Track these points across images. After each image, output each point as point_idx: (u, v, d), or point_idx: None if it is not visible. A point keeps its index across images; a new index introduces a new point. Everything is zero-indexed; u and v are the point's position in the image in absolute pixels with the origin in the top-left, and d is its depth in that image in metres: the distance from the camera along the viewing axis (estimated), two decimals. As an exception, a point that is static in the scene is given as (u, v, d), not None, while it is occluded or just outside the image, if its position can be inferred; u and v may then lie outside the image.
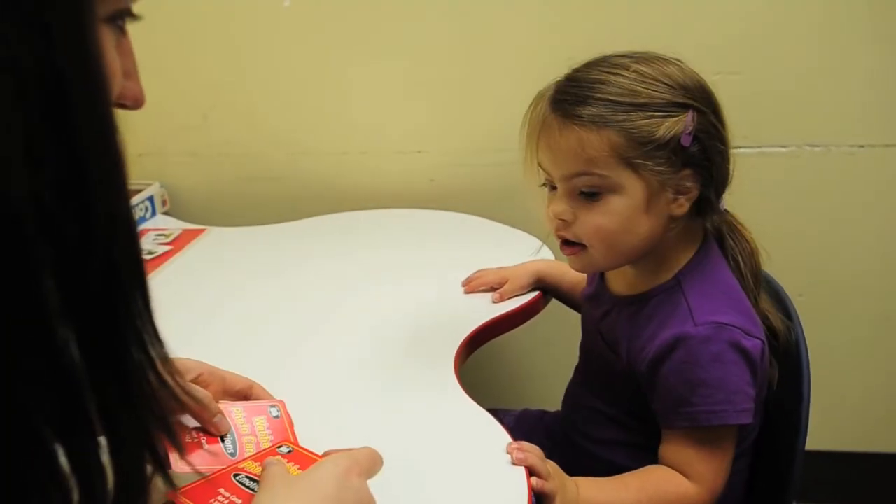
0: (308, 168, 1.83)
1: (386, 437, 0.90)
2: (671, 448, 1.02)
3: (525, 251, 1.42)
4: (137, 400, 0.47)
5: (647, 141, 0.97)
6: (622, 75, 0.99)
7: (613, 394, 1.12)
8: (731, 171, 1.05)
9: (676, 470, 1.01)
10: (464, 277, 1.36)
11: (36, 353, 0.40)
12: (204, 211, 1.85)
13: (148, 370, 0.47)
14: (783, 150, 1.66)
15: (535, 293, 1.32)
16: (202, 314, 1.34)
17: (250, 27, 1.75)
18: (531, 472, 0.92)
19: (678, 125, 0.98)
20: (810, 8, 1.59)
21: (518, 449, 0.93)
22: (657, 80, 0.99)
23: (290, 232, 1.67)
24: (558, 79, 1.05)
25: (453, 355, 1.15)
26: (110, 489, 0.46)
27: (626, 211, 1.00)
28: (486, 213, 1.66)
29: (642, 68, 1.00)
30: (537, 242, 1.44)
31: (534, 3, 1.66)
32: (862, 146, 1.65)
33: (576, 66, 1.05)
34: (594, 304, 1.16)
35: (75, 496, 0.44)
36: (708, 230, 1.07)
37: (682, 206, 1.01)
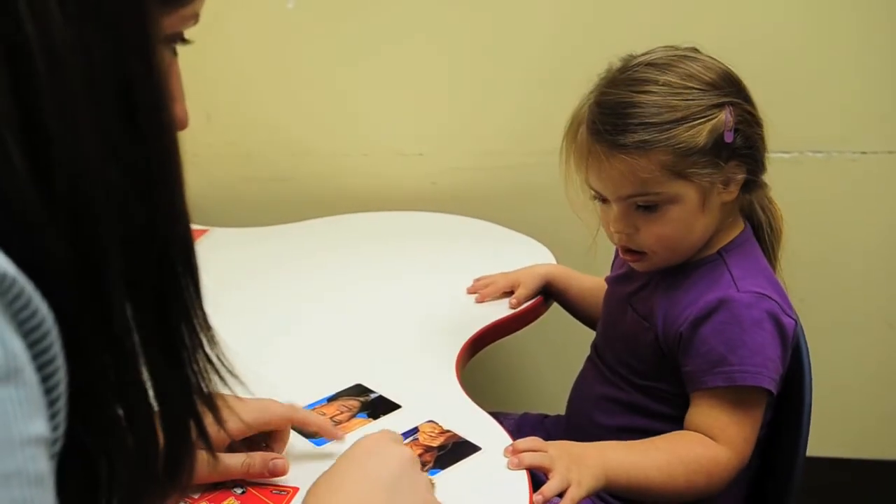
0: (310, 170, 1.83)
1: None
2: (701, 410, 1.02)
3: (526, 254, 1.42)
4: (185, 373, 0.52)
5: (693, 151, 0.99)
6: (653, 92, 1.00)
7: (634, 368, 1.12)
8: (766, 143, 1.07)
9: (705, 434, 1.01)
10: (465, 280, 1.35)
11: (98, 322, 0.45)
12: (206, 212, 1.85)
13: (196, 348, 0.53)
14: (786, 156, 1.66)
15: (538, 296, 1.32)
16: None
17: (254, 28, 1.76)
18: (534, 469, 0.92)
19: (719, 125, 1.00)
20: (813, 14, 1.59)
21: (512, 454, 0.93)
22: (688, 88, 1.01)
23: (291, 234, 1.66)
24: (588, 101, 1.06)
25: (455, 358, 1.15)
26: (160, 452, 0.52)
27: (684, 216, 1.02)
28: (488, 216, 1.66)
29: (669, 78, 1.01)
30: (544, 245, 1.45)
31: (537, 8, 1.66)
32: (864, 153, 1.65)
33: (600, 83, 1.05)
34: (625, 281, 1.16)
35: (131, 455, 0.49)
36: (751, 206, 1.10)
37: (732, 192, 1.04)
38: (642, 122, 0.99)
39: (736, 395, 1.01)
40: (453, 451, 0.95)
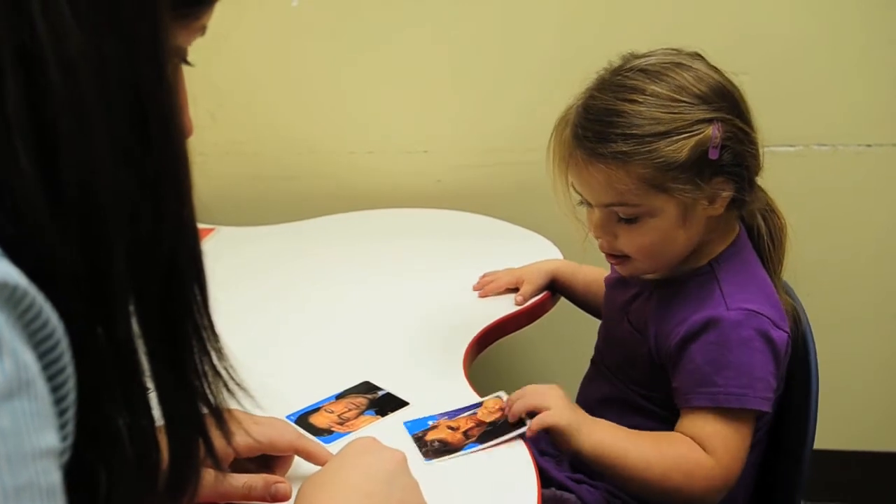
0: (315, 168, 1.84)
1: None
2: (689, 424, 1.01)
3: (533, 250, 1.42)
4: (192, 385, 0.51)
5: (674, 165, 0.97)
6: (639, 102, 0.97)
7: (632, 376, 1.12)
8: (761, 160, 1.04)
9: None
10: (471, 277, 1.36)
11: (102, 330, 0.45)
12: (212, 211, 1.85)
13: (203, 359, 0.52)
14: (791, 149, 1.66)
15: (544, 292, 1.32)
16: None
17: (258, 26, 1.76)
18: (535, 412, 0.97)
19: (704, 141, 0.97)
20: (818, 8, 1.59)
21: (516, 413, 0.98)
22: (676, 101, 0.97)
23: (298, 232, 1.67)
24: (577, 102, 1.03)
25: (462, 355, 1.15)
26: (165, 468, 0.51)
27: (663, 228, 1.01)
28: (494, 213, 1.66)
29: (658, 89, 0.98)
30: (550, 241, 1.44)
31: (542, 5, 1.66)
32: (869, 145, 1.64)
33: (592, 84, 1.03)
34: (620, 288, 1.16)
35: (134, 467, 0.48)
36: (744, 218, 1.08)
37: (718, 209, 1.01)
38: (624, 133, 0.97)
39: (721, 415, 0.99)
40: (501, 427, 0.98)
